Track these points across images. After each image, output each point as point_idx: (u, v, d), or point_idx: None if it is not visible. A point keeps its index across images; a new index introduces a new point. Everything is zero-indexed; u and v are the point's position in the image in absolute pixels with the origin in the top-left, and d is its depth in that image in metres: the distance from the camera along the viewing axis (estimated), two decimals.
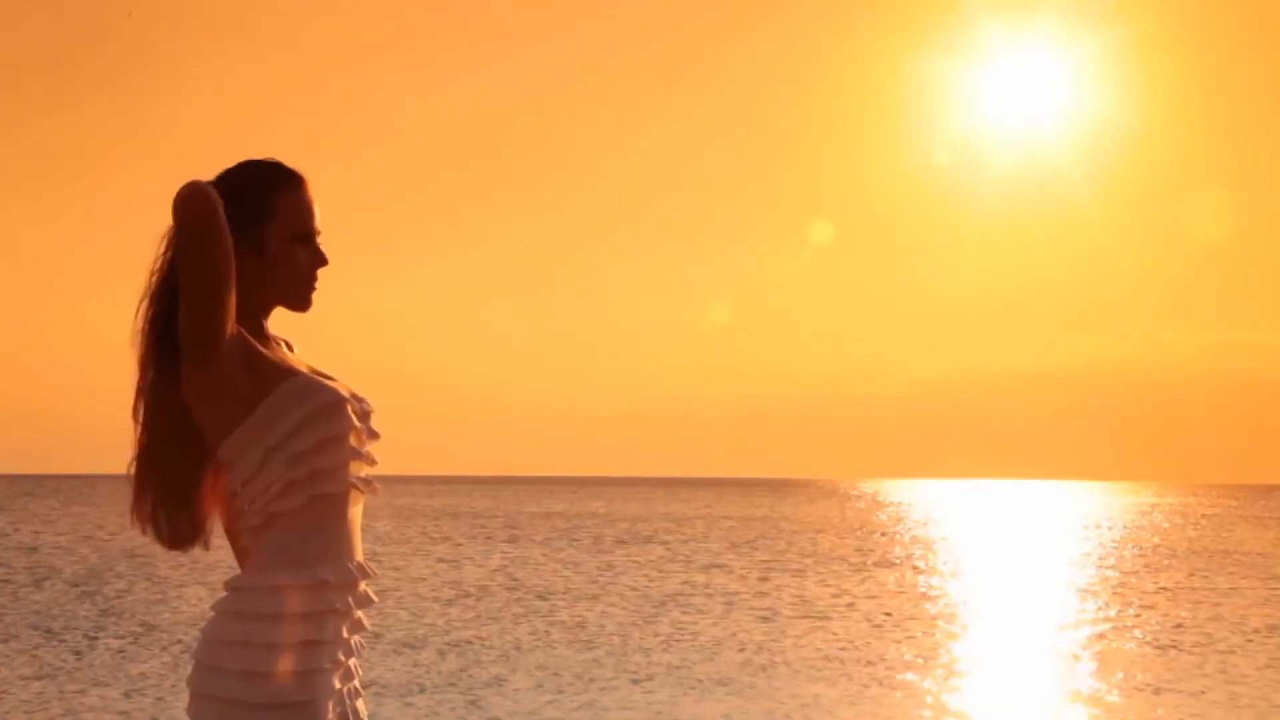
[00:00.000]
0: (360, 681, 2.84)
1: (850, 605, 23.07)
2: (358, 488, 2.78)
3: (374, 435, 2.84)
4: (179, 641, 17.32)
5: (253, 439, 2.69)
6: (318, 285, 2.86)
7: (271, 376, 2.72)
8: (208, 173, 2.79)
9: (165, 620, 19.91)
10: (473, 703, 13.23)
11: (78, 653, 16.56)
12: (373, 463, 2.83)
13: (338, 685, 2.73)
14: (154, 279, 2.78)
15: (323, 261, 2.83)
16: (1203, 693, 14.41)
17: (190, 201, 2.60)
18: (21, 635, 18.25)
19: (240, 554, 2.86)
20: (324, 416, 2.72)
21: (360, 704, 2.81)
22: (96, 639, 17.82)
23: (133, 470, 2.78)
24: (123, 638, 17.97)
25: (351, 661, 2.81)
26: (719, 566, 32.19)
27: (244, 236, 2.74)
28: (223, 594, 2.77)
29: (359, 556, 2.80)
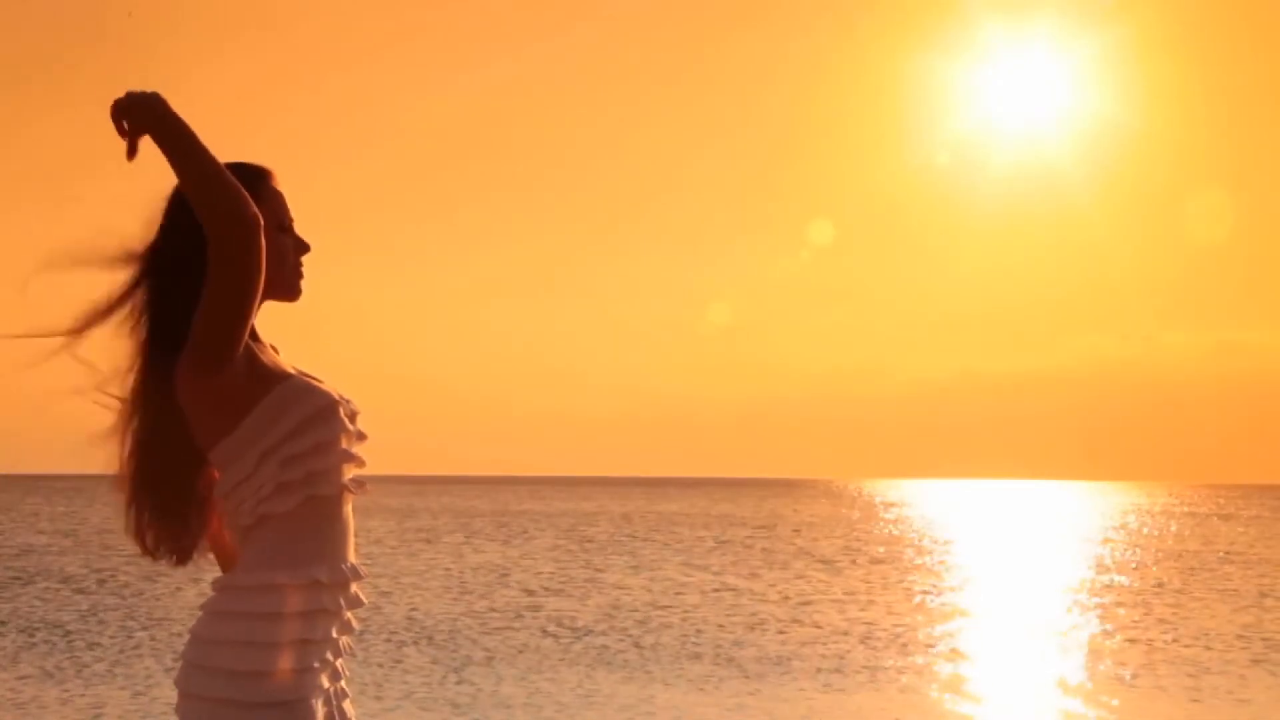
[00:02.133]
0: (347, 682, 2.84)
1: (841, 602, 23.10)
2: (350, 490, 2.79)
3: (362, 437, 2.85)
4: (177, 634, 17.36)
5: (248, 442, 2.69)
6: (305, 273, 2.88)
7: (267, 379, 2.72)
8: None
9: (159, 619, 19.94)
10: (464, 698, 13.28)
11: (72, 652, 16.59)
12: (362, 464, 2.83)
13: (325, 685, 2.74)
14: (158, 257, 2.77)
15: (306, 248, 2.86)
16: (1165, 687, 14.50)
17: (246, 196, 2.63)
18: (16, 634, 18.28)
19: (226, 554, 2.88)
20: (320, 420, 2.73)
21: (347, 704, 2.81)
22: (91, 638, 17.86)
23: (125, 487, 2.77)
24: (116, 637, 18.01)
25: (339, 662, 2.81)
26: (712, 564, 32.22)
27: None
28: (211, 593, 2.77)
29: (352, 558, 2.80)
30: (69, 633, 18.47)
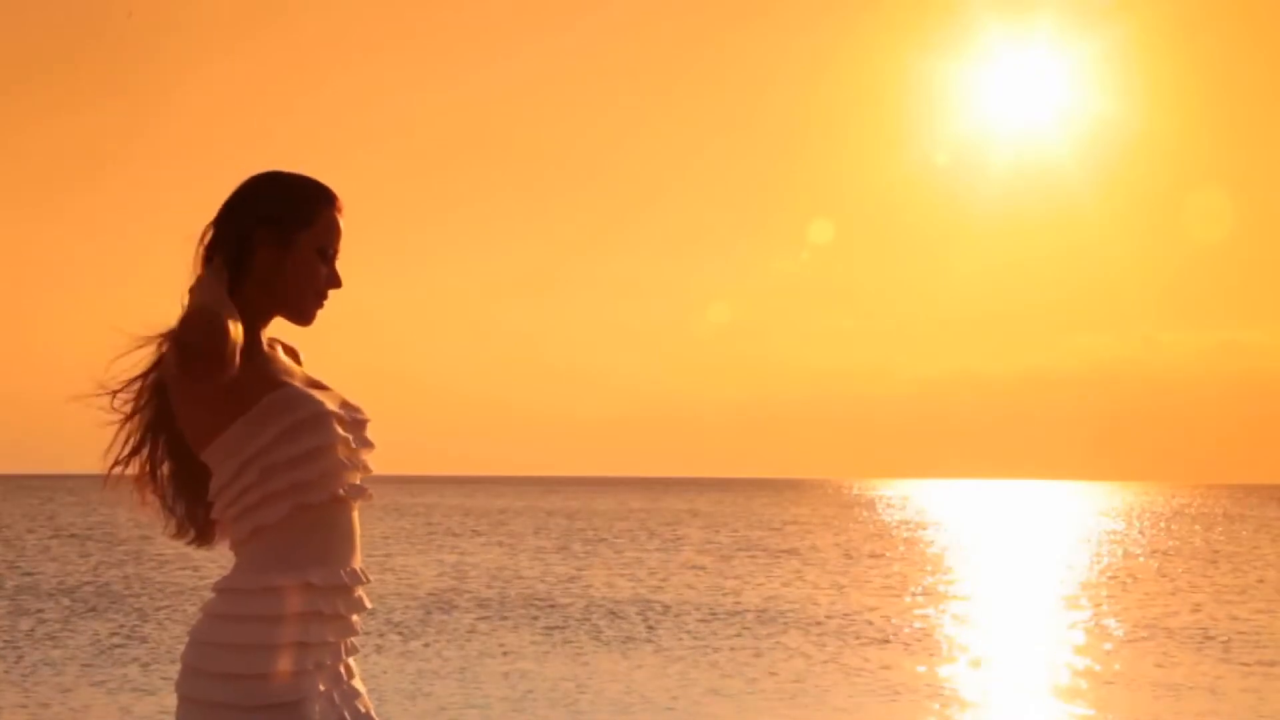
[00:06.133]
0: (360, 682, 2.85)
1: (833, 600, 23.13)
2: (344, 497, 2.79)
3: (368, 444, 2.85)
4: (176, 635, 17.37)
5: (231, 448, 2.71)
6: (324, 306, 2.90)
7: (260, 386, 2.74)
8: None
9: (159, 619, 19.96)
10: (456, 692, 13.29)
11: (69, 653, 16.60)
12: (367, 470, 2.84)
13: (323, 688, 2.74)
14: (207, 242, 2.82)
15: (337, 284, 2.87)
16: (1150, 684, 14.53)
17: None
18: (13, 634, 18.29)
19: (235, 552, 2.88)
20: (305, 429, 2.73)
21: (360, 703, 2.81)
22: (88, 639, 17.86)
23: (150, 483, 2.82)
24: (114, 636, 18.02)
25: (344, 663, 2.82)
26: (707, 561, 32.26)
27: (279, 234, 2.80)
28: (210, 596, 2.79)
29: (356, 562, 2.80)
30: (63, 633, 18.47)
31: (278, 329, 2.90)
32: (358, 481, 2.82)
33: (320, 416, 2.76)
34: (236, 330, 2.56)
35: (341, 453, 2.78)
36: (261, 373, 2.76)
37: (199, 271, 2.79)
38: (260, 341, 2.83)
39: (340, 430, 2.78)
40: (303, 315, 2.86)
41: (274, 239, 2.79)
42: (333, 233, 2.85)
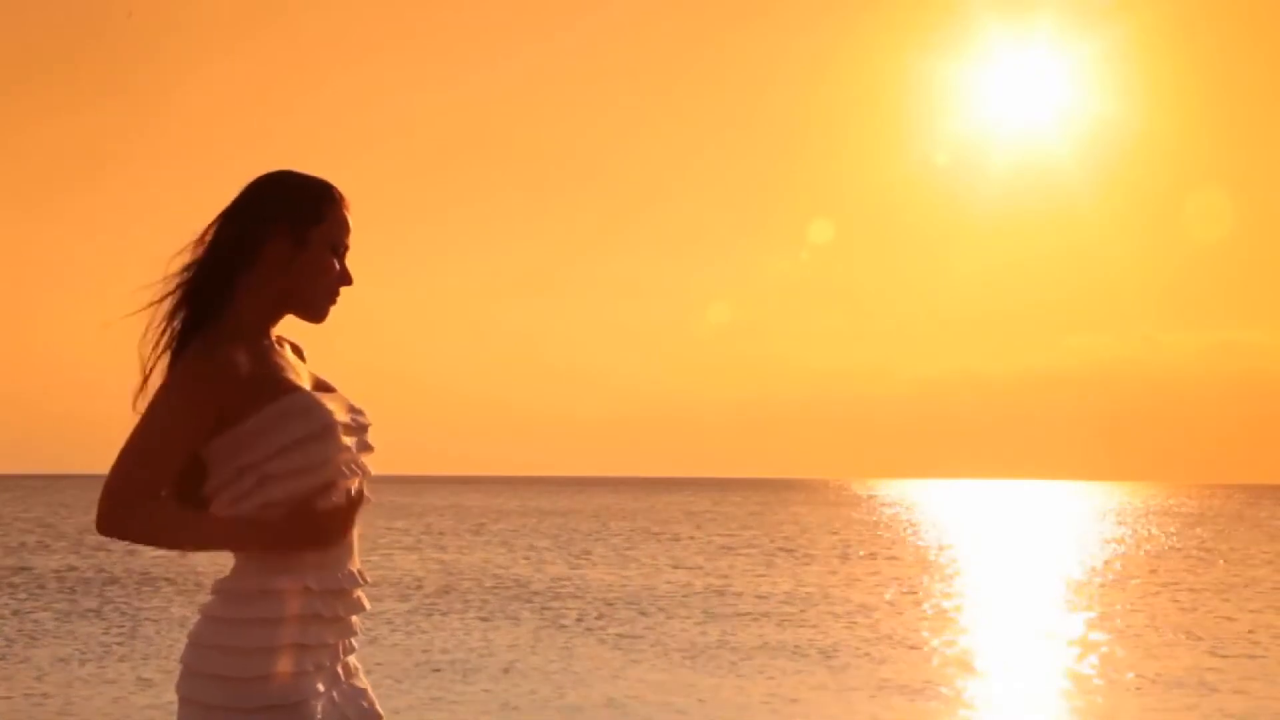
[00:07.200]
0: (363, 678, 2.87)
1: (830, 599, 23.15)
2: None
3: (368, 448, 2.86)
4: (180, 615, 17.40)
5: (233, 450, 2.71)
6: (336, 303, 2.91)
7: (273, 387, 2.74)
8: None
9: (156, 616, 19.97)
10: (444, 692, 13.31)
11: (69, 652, 16.62)
12: (366, 474, 2.85)
13: (323, 688, 2.76)
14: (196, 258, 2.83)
15: (348, 280, 2.88)
16: (1142, 685, 14.56)
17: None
18: (11, 632, 18.31)
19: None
20: (310, 441, 2.73)
21: (364, 701, 2.84)
22: (85, 636, 17.88)
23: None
24: (110, 633, 18.04)
25: (343, 664, 2.84)
26: (705, 561, 32.27)
27: (292, 229, 2.81)
28: (209, 597, 2.80)
29: (354, 565, 2.81)
30: (63, 634, 18.49)
31: (284, 327, 2.91)
32: (356, 486, 2.82)
33: (327, 429, 2.75)
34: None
35: (343, 461, 2.78)
36: (273, 375, 2.77)
37: (196, 258, 2.81)
38: (270, 340, 2.84)
39: (344, 440, 2.79)
40: (316, 312, 2.87)
41: (287, 237, 2.80)
42: (343, 229, 2.86)
